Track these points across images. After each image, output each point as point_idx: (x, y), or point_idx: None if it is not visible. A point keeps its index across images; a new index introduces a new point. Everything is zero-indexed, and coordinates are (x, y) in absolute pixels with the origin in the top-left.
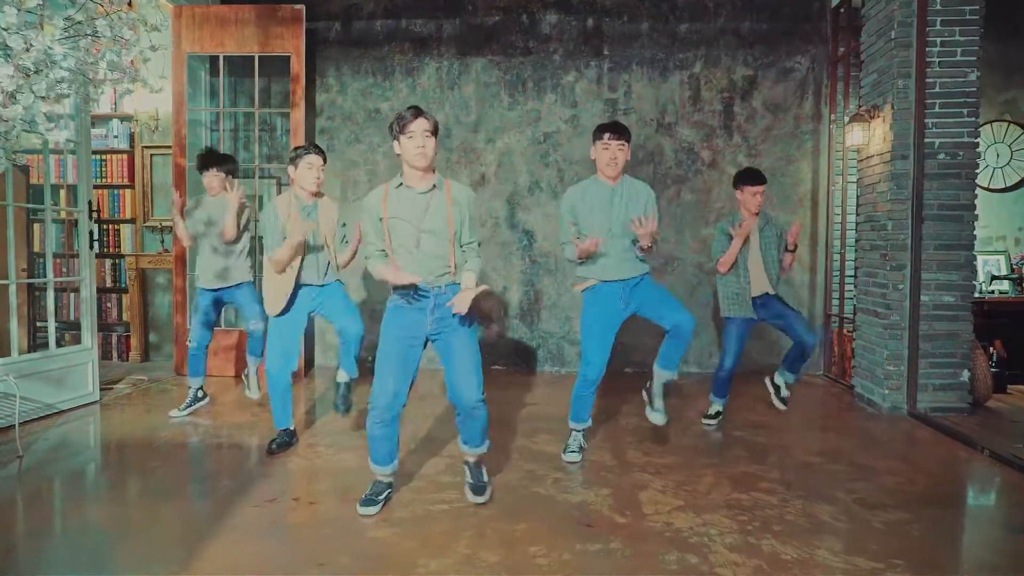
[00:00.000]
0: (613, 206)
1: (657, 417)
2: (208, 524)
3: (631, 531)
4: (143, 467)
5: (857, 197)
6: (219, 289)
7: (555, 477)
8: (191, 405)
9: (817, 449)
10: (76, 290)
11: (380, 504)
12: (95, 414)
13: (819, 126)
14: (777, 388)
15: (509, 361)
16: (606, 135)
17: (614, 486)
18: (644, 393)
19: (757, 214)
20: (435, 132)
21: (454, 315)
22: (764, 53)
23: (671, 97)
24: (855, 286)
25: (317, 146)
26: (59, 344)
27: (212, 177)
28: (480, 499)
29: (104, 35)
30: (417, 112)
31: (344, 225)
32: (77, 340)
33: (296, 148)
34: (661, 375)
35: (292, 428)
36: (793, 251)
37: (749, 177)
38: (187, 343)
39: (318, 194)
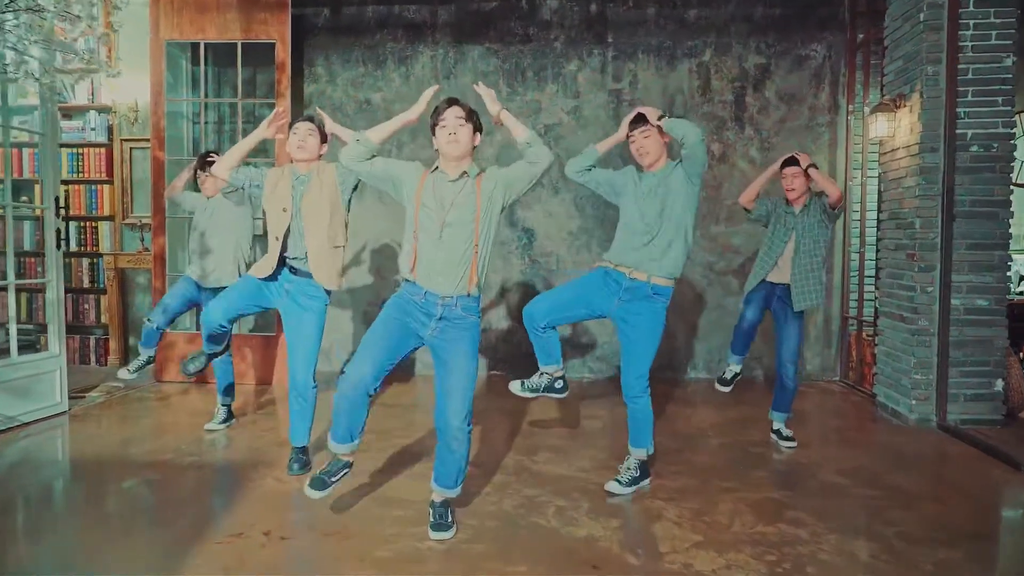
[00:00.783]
0: (648, 196)
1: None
2: (165, 562)
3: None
4: (105, 490)
5: (880, 193)
6: (203, 289)
7: (558, 505)
8: (141, 367)
9: (844, 468)
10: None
11: (330, 488)
12: (63, 427)
13: (836, 117)
14: (778, 432)
15: (507, 366)
16: (629, 127)
17: (624, 516)
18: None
19: (797, 198)
20: (471, 119)
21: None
22: (778, 40)
23: (679, 87)
24: (876, 288)
25: (311, 116)
26: (34, 349)
27: (211, 178)
28: (442, 536)
29: (47, 9)
30: (451, 101)
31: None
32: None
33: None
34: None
35: (212, 352)
36: (806, 169)
37: (782, 162)
38: (145, 319)
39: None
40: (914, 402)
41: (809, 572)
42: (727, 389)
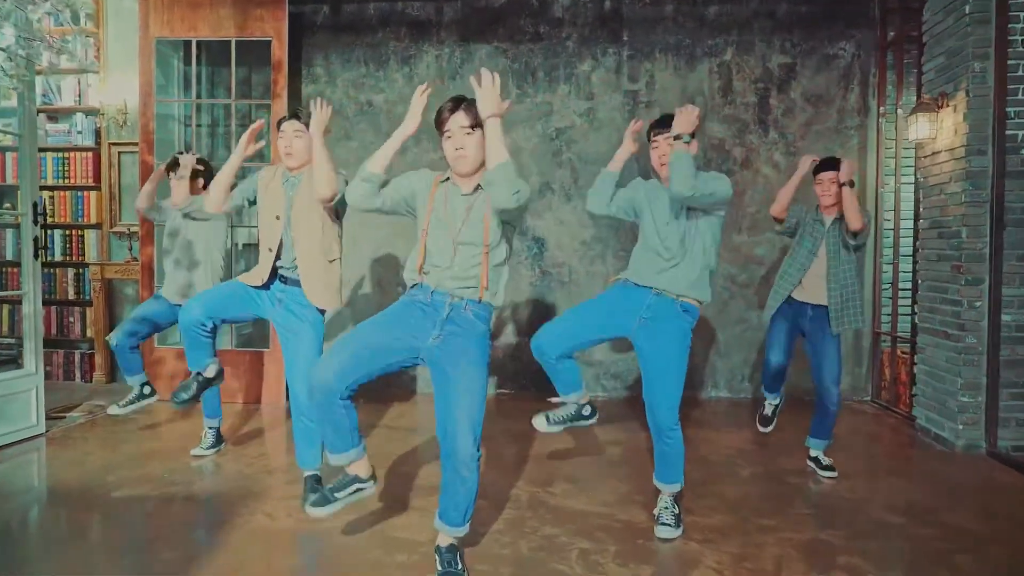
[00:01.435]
0: (671, 211)
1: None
2: None
3: None
4: (75, 525)
5: (918, 199)
6: (179, 306)
7: (581, 548)
8: (134, 402)
9: (894, 503)
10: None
11: (335, 505)
12: (38, 451)
13: (866, 120)
14: (816, 461)
15: (517, 384)
16: (652, 132)
17: (657, 562)
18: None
19: (830, 206)
20: (480, 124)
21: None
22: (803, 38)
23: (699, 88)
24: (914, 301)
25: (298, 111)
26: (17, 364)
27: (182, 184)
28: None
29: None
30: (455, 104)
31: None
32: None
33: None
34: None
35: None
36: (842, 184)
37: (819, 166)
38: (106, 339)
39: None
40: (961, 427)
41: None
42: (769, 428)
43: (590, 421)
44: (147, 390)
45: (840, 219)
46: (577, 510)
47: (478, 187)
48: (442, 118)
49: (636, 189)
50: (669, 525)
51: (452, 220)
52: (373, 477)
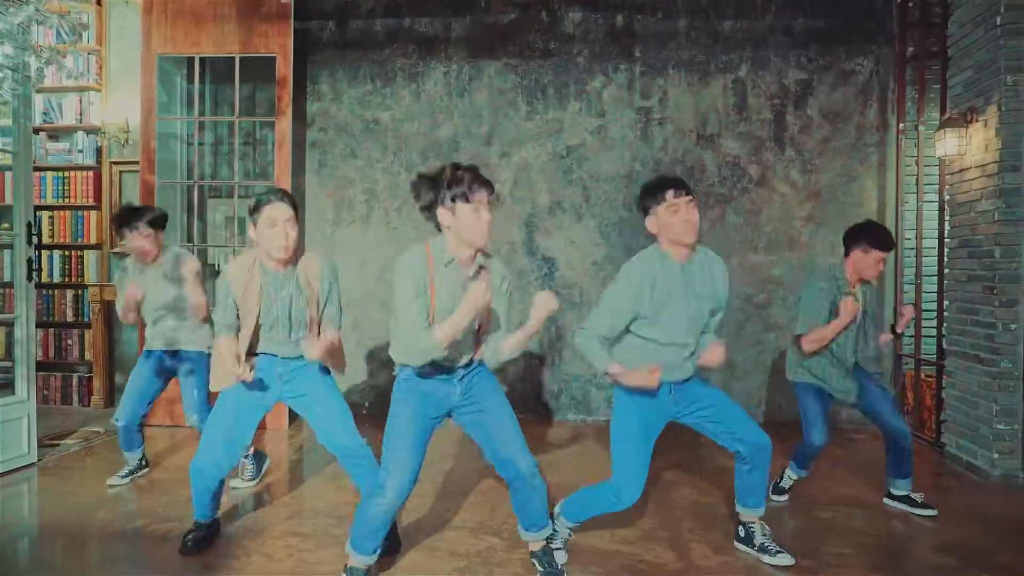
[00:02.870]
0: (687, 293)
1: (782, 559)
2: None
3: None
4: (61, 563)
5: (948, 218)
6: (166, 351)
7: None
8: (131, 475)
9: (941, 542)
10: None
11: None
12: (29, 481)
13: (885, 136)
14: (908, 500)
15: (526, 408)
16: (669, 192)
17: None
18: (742, 542)
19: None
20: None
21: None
22: (820, 54)
23: (713, 105)
24: (940, 323)
25: (284, 192)
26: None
27: (140, 238)
28: None
29: None
30: (484, 181)
31: (331, 284)
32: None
33: (257, 196)
34: (751, 514)
35: (214, 520)
36: (897, 335)
37: (877, 238)
38: (112, 420)
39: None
40: (996, 455)
41: None
42: (783, 499)
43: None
44: (143, 462)
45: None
46: (597, 549)
47: (480, 268)
48: (466, 183)
49: (642, 279)
50: (770, 552)
51: (456, 303)
52: None
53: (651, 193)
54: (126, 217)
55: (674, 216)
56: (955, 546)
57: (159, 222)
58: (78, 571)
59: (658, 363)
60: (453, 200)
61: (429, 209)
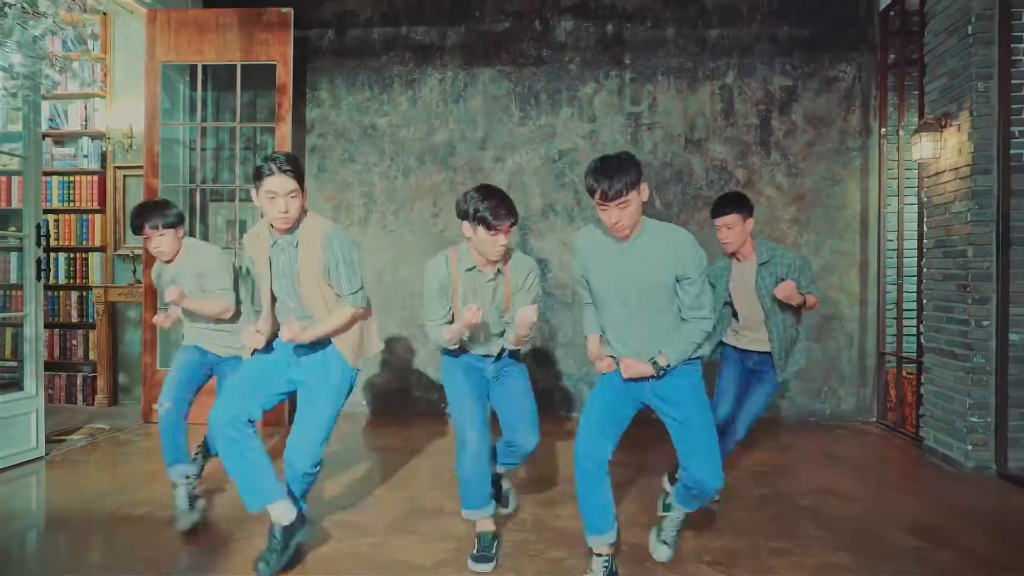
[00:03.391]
0: (625, 265)
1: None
2: None
3: None
4: (70, 553)
5: (924, 219)
6: (206, 351)
7: (588, 571)
8: (190, 496)
9: (908, 524)
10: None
11: (494, 560)
12: (38, 474)
13: (868, 141)
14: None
15: None
16: (596, 193)
17: None
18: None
19: (733, 255)
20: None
21: (509, 357)
22: (805, 61)
23: (701, 110)
24: (920, 321)
25: (288, 159)
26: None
27: (159, 238)
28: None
29: (7, 2)
30: (509, 208)
31: (332, 252)
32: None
33: (258, 163)
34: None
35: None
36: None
37: (712, 208)
38: (155, 406)
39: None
40: (970, 447)
41: None
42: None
43: None
44: (192, 479)
45: (768, 262)
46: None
47: (498, 271)
48: (499, 222)
49: (582, 246)
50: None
51: (480, 300)
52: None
53: (587, 184)
54: (142, 215)
55: (603, 214)
56: (919, 529)
57: (172, 220)
58: (87, 552)
59: (617, 341)
60: (477, 222)
61: (461, 218)
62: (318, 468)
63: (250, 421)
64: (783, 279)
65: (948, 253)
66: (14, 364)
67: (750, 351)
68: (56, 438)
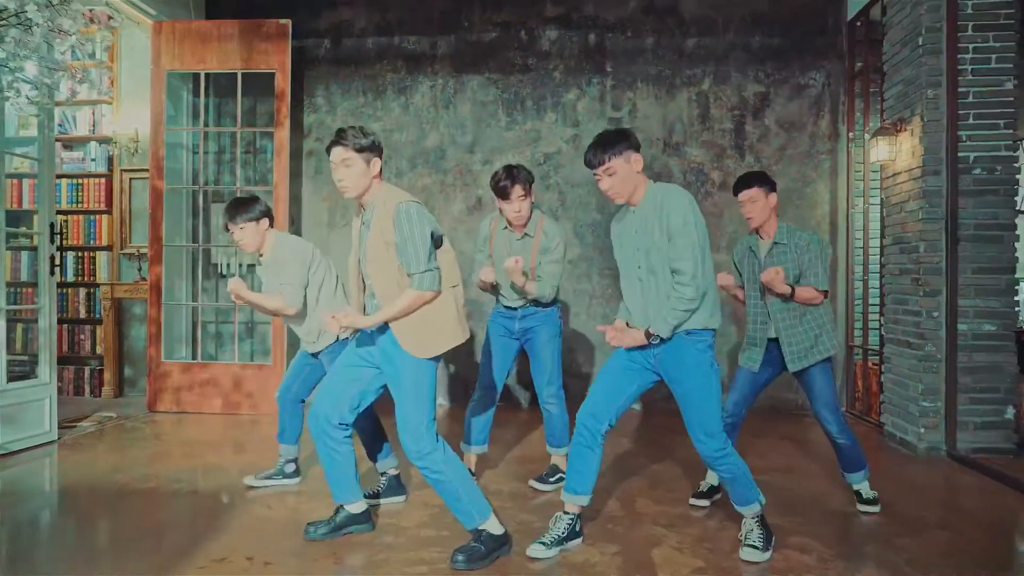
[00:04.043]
0: (631, 236)
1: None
2: None
3: None
4: (88, 518)
5: (883, 218)
6: (315, 354)
7: (535, 526)
8: (272, 477)
9: (851, 496)
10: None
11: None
12: (51, 455)
13: (836, 145)
14: (857, 495)
15: (505, 396)
16: (590, 167)
17: (623, 542)
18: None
19: (756, 231)
20: (530, 187)
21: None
22: (777, 69)
23: (679, 116)
24: (881, 315)
25: (349, 131)
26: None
27: (239, 232)
28: None
29: (36, 23)
30: (511, 176)
31: (399, 228)
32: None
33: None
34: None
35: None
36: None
37: (736, 182)
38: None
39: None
40: (922, 430)
41: None
42: (702, 503)
43: (577, 540)
44: (289, 468)
45: (780, 243)
46: (556, 501)
47: (526, 234)
48: (502, 186)
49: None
50: (756, 547)
51: (509, 255)
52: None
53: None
54: (225, 213)
55: (598, 184)
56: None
57: (253, 215)
58: (100, 519)
59: (635, 311)
60: (495, 195)
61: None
62: (428, 456)
63: (339, 425)
64: (799, 264)
65: (904, 249)
66: (24, 358)
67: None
68: (67, 424)
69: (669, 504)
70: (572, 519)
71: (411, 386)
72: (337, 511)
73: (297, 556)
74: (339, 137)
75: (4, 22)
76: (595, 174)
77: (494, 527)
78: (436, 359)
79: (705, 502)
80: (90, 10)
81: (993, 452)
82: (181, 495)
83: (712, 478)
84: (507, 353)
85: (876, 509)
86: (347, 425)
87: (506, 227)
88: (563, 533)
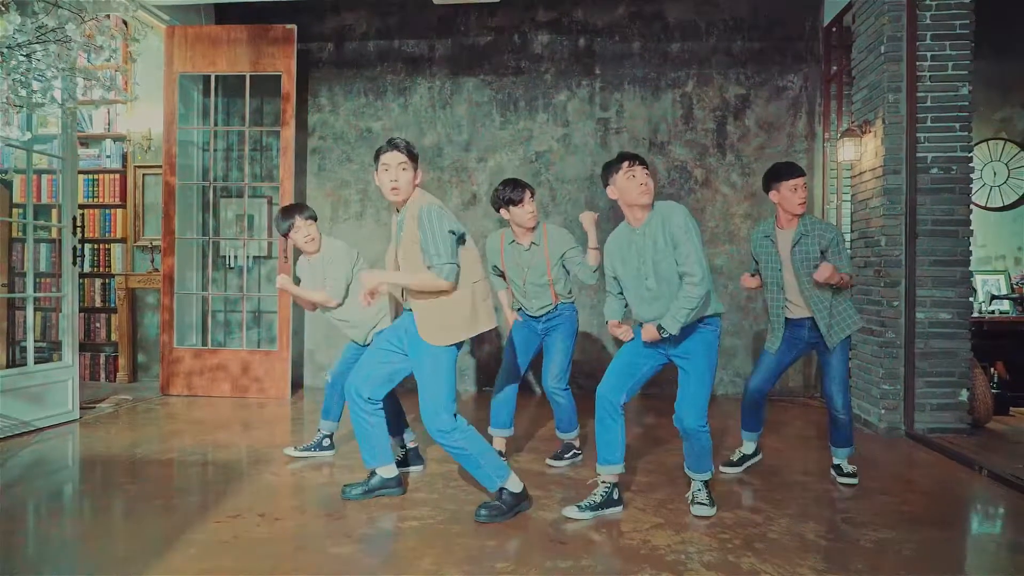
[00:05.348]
0: (636, 253)
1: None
2: (167, 538)
3: (606, 549)
4: (112, 484)
5: (851, 213)
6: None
7: (534, 495)
8: (310, 449)
9: (808, 469)
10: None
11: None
12: (74, 432)
13: (813, 144)
14: (838, 468)
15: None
16: (625, 162)
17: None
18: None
19: (799, 216)
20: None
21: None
22: (757, 72)
23: (663, 116)
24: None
25: (401, 140)
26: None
27: (309, 227)
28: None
29: (74, 39)
30: (525, 185)
31: (421, 224)
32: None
33: (379, 147)
34: (691, 476)
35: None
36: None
37: (784, 170)
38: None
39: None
40: (883, 411)
41: (757, 547)
42: (733, 470)
43: (617, 509)
44: (327, 442)
45: (806, 235)
46: (537, 471)
47: (532, 243)
48: (514, 193)
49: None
50: (705, 504)
51: (520, 269)
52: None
53: (610, 165)
54: (290, 212)
55: (630, 181)
56: (817, 472)
57: (313, 214)
58: (123, 484)
59: (634, 312)
60: (506, 203)
61: (497, 208)
62: (447, 435)
63: (369, 399)
64: (822, 251)
65: (868, 243)
66: (43, 344)
67: (802, 319)
68: (86, 406)
69: (640, 474)
70: (608, 488)
71: (430, 370)
72: (371, 475)
73: (303, 513)
74: (396, 143)
75: (45, 38)
76: (630, 170)
77: (514, 485)
78: (455, 347)
79: (736, 470)
80: (121, 21)
81: (948, 431)
82: (196, 465)
83: (748, 447)
84: (530, 343)
85: (854, 481)
86: (376, 400)
87: (513, 241)
88: (599, 500)
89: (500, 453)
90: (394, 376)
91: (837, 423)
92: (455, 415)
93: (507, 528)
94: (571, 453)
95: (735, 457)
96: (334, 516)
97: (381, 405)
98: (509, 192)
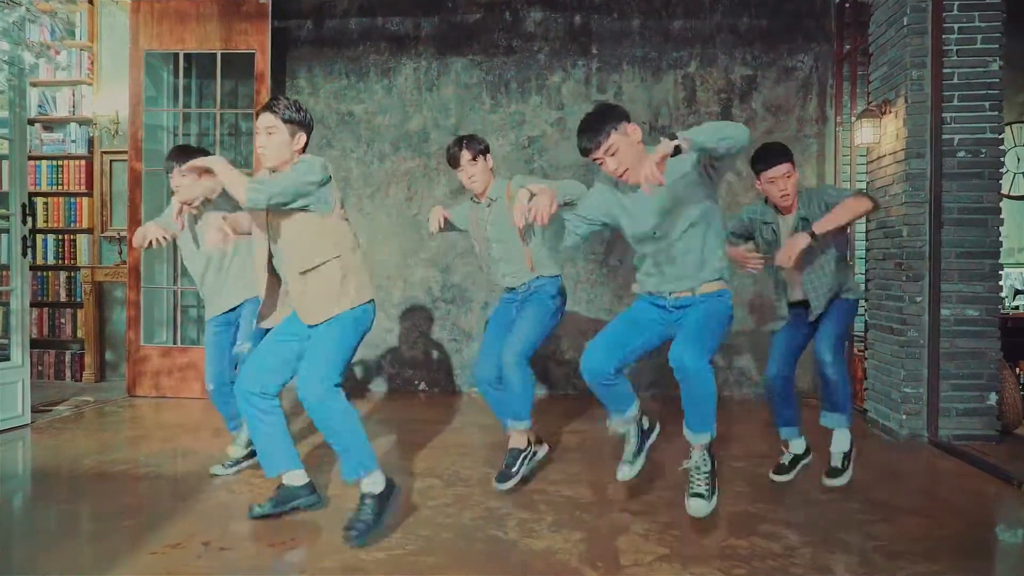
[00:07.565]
0: (643, 202)
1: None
2: (95, 571)
3: None
4: (50, 500)
5: None
6: (227, 312)
7: (520, 517)
8: (237, 464)
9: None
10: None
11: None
12: (24, 439)
13: (824, 128)
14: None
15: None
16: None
17: (588, 529)
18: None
19: (788, 207)
20: (480, 153)
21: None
22: (764, 51)
23: (665, 99)
24: (865, 300)
25: (275, 101)
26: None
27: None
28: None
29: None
30: (460, 143)
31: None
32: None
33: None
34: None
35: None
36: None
37: (759, 159)
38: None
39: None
40: (904, 416)
41: None
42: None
43: (654, 434)
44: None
45: (803, 214)
46: (524, 488)
47: (491, 200)
48: (454, 157)
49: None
50: (702, 496)
51: (480, 228)
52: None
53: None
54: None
55: (605, 168)
56: (839, 488)
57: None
58: (59, 503)
59: (654, 269)
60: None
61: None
62: (325, 403)
63: (263, 393)
64: (820, 208)
65: (887, 234)
66: (4, 341)
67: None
68: (43, 408)
69: (642, 491)
70: (636, 427)
71: (337, 336)
72: (279, 487)
73: (254, 540)
74: (270, 105)
75: None
76: (596, 159)
77: (374, 485)
78: (368, 319)
79: (787, 476)
80: None
81: (975, 439)
82: (145, 479)
83: (797, 446)
84: (506, 316)
85: (842, 482)
86: (270, 394)
87: (472, 198)
88: (636, 445)
89: (529, 443)
90: (289, 362)
91: (828, 384)
92: (338, 386)
93: (490, 560)
94: (522, 458)
95: (785, 460)
96: (288, 545)
97: (278, 402)
98: (448, 152)
